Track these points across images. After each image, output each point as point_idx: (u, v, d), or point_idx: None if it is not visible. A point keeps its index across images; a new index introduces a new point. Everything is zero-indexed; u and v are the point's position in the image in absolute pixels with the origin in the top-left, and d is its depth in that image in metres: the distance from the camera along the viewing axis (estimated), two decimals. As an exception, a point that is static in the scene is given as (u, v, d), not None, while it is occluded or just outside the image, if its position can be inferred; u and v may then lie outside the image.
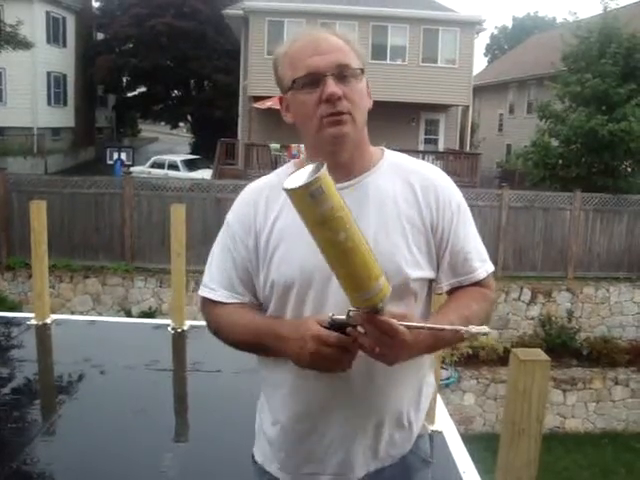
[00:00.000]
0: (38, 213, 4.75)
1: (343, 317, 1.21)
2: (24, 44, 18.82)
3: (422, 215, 1.43)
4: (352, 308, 1.21)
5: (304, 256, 1.36)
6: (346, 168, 1.43)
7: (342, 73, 1.37)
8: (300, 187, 1.11)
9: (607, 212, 13.66)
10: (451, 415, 3.68)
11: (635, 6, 23.78)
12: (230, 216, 1.51)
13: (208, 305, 1.52)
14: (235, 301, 1.47)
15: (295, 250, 1.39)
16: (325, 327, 1.23)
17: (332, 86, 1.35)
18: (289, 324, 1.35)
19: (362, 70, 1.42)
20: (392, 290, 1.27)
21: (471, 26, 20.97)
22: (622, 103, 14.49)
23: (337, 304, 1.33)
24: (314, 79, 1.37)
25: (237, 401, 3.59)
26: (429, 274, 1.45)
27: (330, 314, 1.24)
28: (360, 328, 1.22)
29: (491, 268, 1.54)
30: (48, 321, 4.78)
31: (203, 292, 1.51)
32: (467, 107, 21.81)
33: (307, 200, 1.12)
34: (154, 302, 12.47)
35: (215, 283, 1.49)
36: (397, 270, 1.37)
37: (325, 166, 1.13)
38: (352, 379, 1.37)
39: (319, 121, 1.37)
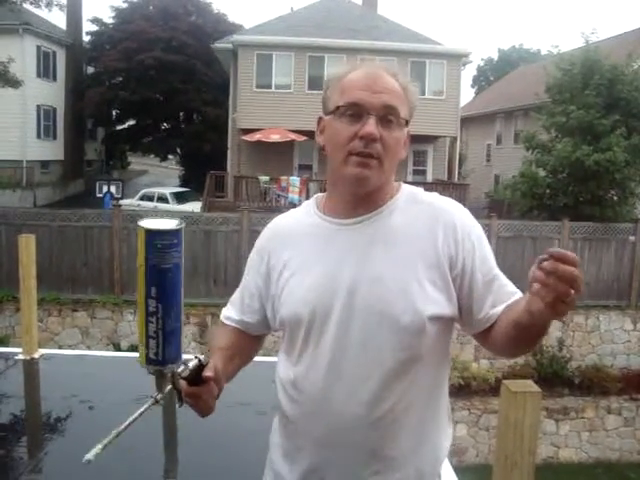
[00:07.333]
0: (27, 247, 4.71)
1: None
2: (13, 82, 18.81)
3: (437, 250, 1.36)
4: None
5: (306, 292, 1.39)
6: (359, 205, 1.41)
7: (387, 116, 1.35)
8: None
9: (595, 241, 13.74)
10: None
11: (615, 39, 24.29)
12: (256, 244, 1.59)
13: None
14: (228, 323, 1.62)
15: (300, 286, 1.41)
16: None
17: (372, 126, 1.32)
18: None
19: (407, 122, 1.39)
20: (406, 328, 1.31)
21: (457, 58, 21.31)
22: (607, 133, 14.67)
23: (337, 339, 1.36)
24: (357, 112, 1.34)
25: (229, 435, 3.54)
26: (447, 311, 1.37)
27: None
28: None
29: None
30: (36, 356, 4.71)
31: (226, 307, 1.68)
32: (455, 138, 22.05)
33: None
34: (143, 335, 12.34)
35: (230, 303, 1.65)
36: (409, 307, 1.32)
37: None
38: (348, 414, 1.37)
39: (346, 156, 1.35)
